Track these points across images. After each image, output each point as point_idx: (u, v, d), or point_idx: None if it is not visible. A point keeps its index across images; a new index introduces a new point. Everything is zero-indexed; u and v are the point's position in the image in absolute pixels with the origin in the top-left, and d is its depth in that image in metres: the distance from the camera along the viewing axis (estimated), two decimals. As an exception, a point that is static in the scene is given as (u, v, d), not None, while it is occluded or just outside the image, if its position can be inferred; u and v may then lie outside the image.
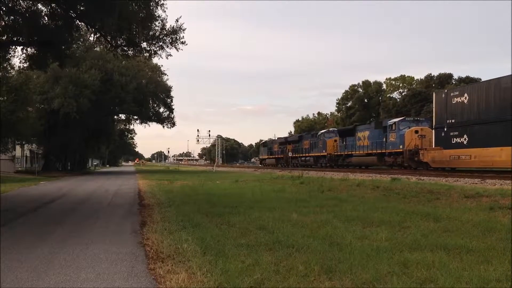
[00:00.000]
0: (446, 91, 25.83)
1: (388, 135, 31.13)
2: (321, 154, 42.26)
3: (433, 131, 25.43)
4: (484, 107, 21.47)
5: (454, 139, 23.02)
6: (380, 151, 31.85)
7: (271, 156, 58.10)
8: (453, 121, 23.26)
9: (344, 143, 38.23)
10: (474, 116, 21.90)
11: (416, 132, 28.46)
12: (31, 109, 32.88)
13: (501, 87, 20.65)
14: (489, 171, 21.33)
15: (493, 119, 20.75)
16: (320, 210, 9.71)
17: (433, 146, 25.20)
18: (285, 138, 56.10)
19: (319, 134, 44.82)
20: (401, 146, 29.27)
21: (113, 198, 14.92)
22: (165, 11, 13.76)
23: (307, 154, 45.45)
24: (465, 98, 22.57)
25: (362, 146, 34.81)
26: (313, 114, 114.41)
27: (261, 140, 69.30)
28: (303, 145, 46.86)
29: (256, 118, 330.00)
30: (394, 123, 30.93)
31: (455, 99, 23.22)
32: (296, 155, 46.28)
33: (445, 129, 23.72)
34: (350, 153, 36.85)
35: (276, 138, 62.66)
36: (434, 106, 25.52)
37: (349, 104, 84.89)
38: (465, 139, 22.35)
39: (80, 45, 30.81)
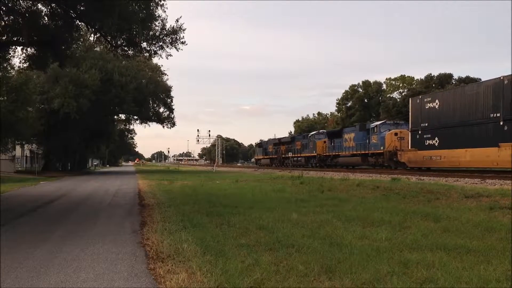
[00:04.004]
0: (420, 97, 27.85)
1: (370, 137, 33.17)
2: (312, 154, 44.21)
3: (409, 133, 27.50)
4: (452, 112, 23.60)
5: (427, 141, 25.23)
6: (363, 152, 33.89)
7: (265, 156, 59.77)
8: (426, 124, 25.43)
9: (332, 144, 40.12)
10: (444, 120, 24.04)
11: (396, 134, 30.28)
12: (31, 109, 32.83)
13: (466, 94, 22.86)
14: (488, 171, 21.48)
15: (458, 123, 22.85)
16: (320, 210, 9.70)
17: (410, 148, 27.19)
18: (279, 139, 57.29)
19: (309, 135, 46.87)
20: (382, 147, 31.16)
21: (113, 198, 14.92)
22: (165, 11, 13.78)
23: (298, 155, 47.08)
24: (436, 103, 24.78)
25: (348, 147, 36.73)
26: (313, 114, 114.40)
27: (261, 140, 69.44)
28: (295, 146, 48.51)
29: (256, 118, 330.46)
30: (376, 125, 33.09)
31: (428, 104, 25.48)
32: (289, 156, 47.83)
33: (420, 132, 25.91)
34: (337, 153, 38.73)
35: (270, 139, 63.45)
36: (410, 110, 27.73)
37: (349, 104, 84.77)
38: (436, 141, 24.50)
39: (80, 45, 30.71)
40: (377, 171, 28.76)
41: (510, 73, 20.23)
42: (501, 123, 20.17)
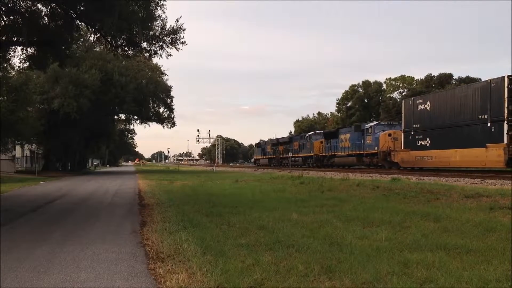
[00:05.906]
0: (412, 98, 28.58)
1: (365, 137, 33.84)
2: (309, 154, 44.99)
3: (402, 134, 28.10)
4: (442, 113, 24.19)
5: (419, 141, 25.86)
6: (359, 152, 34.54)
7: (264, 157, 60.52)
8: (418, 125, 25.97)
9: (329, 144, 40.76)
10: (435, 122, 24.61)
11: (390, 135, 30.81)
12: (31, 109, 32.84)
13: (455, 96, 23.49)
14: (488, 171, 21.51)
15: (448, 124, 23.45)
16: (320, 210, 9.70)
17: (402, 148, 27.78)
18: (277, 139, 58.00)
19: (307, 136, 47.70)
20: (376, 148, 31.79)
21: (113, 198, 14.92)
22: (164, 12, 13.78)
23: (296, 155, 47.81)
24: (428, 105, 25.42)
25: (344, 147, 37.38)
26: (313, 114, 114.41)
27: (260, 140, 69.58)
28: (293, 146, 49.21)
29: (256, 118, 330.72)
30: (371, 126, 33.84)
31: (420, 106, 26.12)
32: (287, 156, 48.22)
33: (412, 133, 26.54)
34: (333, 154, 39.39)
35: (269, 139, 63.81)
36: (403, 112, 28.41)
37: (349, 104, 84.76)
38: (427, 142, 25.14)
39: (80, 45, 30.78)
40: (377, 171, 28.83)
41: (508, 74, 20.48)
42: (489, 125, 20.69)
